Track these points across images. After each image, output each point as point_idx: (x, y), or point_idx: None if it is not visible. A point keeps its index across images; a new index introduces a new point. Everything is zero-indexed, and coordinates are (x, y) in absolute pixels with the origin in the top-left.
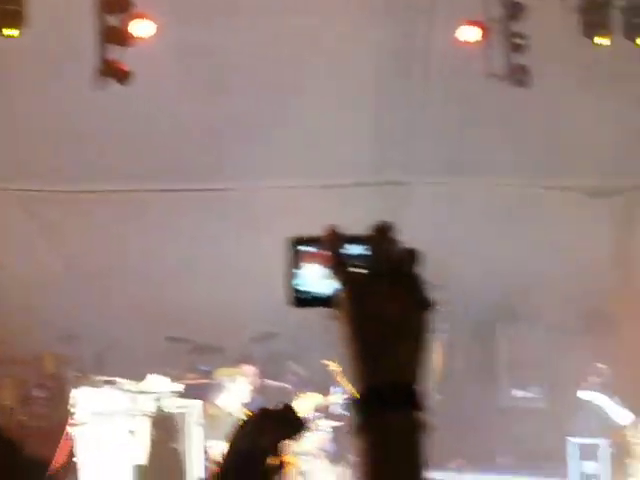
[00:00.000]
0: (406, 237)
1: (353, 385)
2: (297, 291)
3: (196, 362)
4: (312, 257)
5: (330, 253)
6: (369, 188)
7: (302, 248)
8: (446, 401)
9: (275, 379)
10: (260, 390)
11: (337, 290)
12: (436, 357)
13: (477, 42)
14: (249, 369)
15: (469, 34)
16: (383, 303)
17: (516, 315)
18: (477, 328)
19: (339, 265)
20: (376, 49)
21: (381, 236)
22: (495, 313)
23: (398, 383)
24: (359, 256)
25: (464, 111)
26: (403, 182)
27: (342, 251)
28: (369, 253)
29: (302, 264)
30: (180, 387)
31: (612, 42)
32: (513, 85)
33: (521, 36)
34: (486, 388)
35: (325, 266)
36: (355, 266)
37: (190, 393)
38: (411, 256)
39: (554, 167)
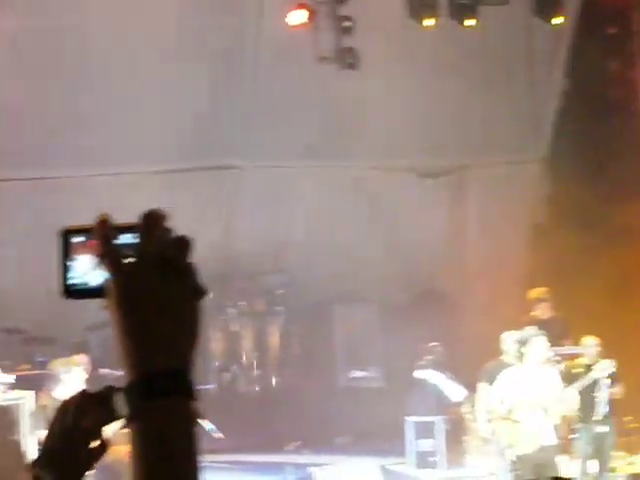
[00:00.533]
0: (241, 221)
1: (124, 373)
2: (70, 283)
3: (33, 353)
4: (84, 247)
5: (99, 242)
6: (203, 172)
7: (74, 239)
8: (283, 384)
9: (112, 368)
10: (95, 379)
11: (107, 280)
12: (273, 340)
13: (305, 25)
14: (82, 358)
15: (297, 18)
16: (151, 292)
17: (352, 297)
18: (314, 311)
19: (107, 255)
20: (208, 34)
21: (151, 224)
22: (332, 296)
23: (169, 371)
24: (131, 245)
25: (295, 95)
26: (236, 166)
27: (115, 241)
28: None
29: (75, 255)
30: (12, 379)
31: (439, 23)
32: (342, 68)
33: (348, 19)
34: (324, 370)
35: (95, 256)
36: (126, 256)
37: (26, 384)
38: (182, 244)
39: (384, 148)
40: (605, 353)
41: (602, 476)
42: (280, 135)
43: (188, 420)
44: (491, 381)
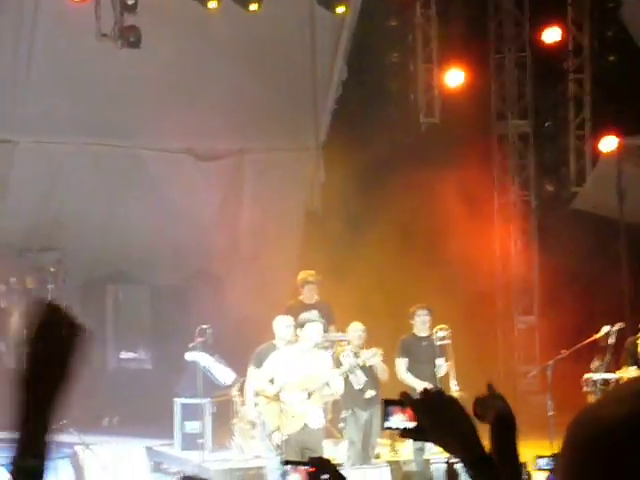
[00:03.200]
0: (12, 197)
1: None
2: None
3: None
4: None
5: None
6: None
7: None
8: None
9: None
10: None
11: None
12: None
13: (86, 0)
14: None
15: None
16: None
17: (125, 277)
18: (85, 290)
19: None
20: None
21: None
22: (103, 275)
23: None
24: None
25: (72, 70)
26: (8, 140)
27: None
28: None
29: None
30: None
31: (222, 6)
32: (124, 46)
33: None
34: (93, 350)
35: None
36: None
37: None
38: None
39: (162, 129)
40: (369, 340)
41: (366, 462)
42: (56, 111)
43: None
44: (261, 365)
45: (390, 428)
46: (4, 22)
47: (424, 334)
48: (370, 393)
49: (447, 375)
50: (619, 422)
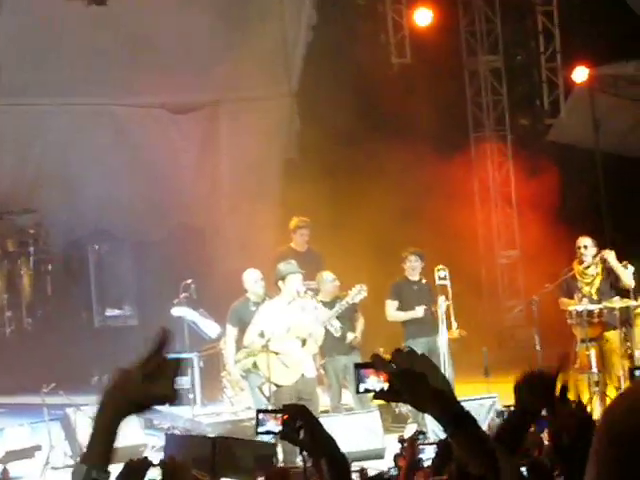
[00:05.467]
0: None
1: None
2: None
3: None
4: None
5: None
6: None
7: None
8: (36, 325)
9: None
10: None
11: None
12: (24, 281)
13: None
14: None
15: None
16: None
17: (106, 235)
18: (67, 250)
19: None
20: None
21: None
22: (85, 235)
23: None
24: None
25: (42, 32)
26: None
27: None
28: None
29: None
30: None
31: None
32: (90, 3)
33: None
34: (78, 309)
35: None
36: None
37: None
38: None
39: (135, 85)
40: (346, 286)
41: (357, 406)
42: (28, 73)
43: None
44: (236, 321)
45: (365, 391)
46: None
47: (415, 278)
48: (350, 336)
49: (448, 314)
50: None
